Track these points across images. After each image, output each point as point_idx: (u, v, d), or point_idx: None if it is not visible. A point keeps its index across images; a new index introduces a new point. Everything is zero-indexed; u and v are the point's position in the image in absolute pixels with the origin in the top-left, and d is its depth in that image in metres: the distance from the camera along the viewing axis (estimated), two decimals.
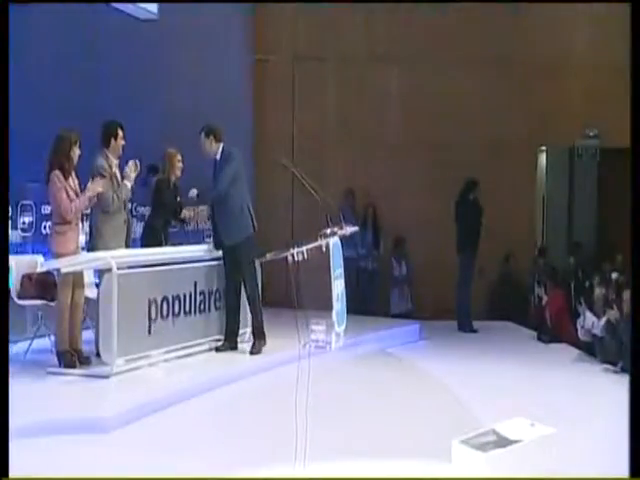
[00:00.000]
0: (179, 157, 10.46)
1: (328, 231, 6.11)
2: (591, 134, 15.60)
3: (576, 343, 11.88)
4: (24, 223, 10.64)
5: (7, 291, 5.84)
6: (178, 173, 10.46)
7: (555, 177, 16.84)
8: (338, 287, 6.08)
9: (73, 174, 8.99)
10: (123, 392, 8.45)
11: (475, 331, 13.20)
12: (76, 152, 8.94)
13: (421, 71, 15.43)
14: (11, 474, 5.97)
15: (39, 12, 11.30)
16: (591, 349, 11.34)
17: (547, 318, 12.63)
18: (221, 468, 6.40)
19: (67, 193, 8.85)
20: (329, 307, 6.17)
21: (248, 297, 10.12)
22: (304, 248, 5.97)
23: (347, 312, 14.76)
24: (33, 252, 10.47)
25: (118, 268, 8.79)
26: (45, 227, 10.88)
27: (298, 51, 15.36)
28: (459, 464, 6.26)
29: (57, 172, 8.82)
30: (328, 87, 15.48)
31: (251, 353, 10.02)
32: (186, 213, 10.43)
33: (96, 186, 9.04)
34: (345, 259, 15.67)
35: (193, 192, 10.30)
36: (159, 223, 10.35)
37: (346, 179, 14.97)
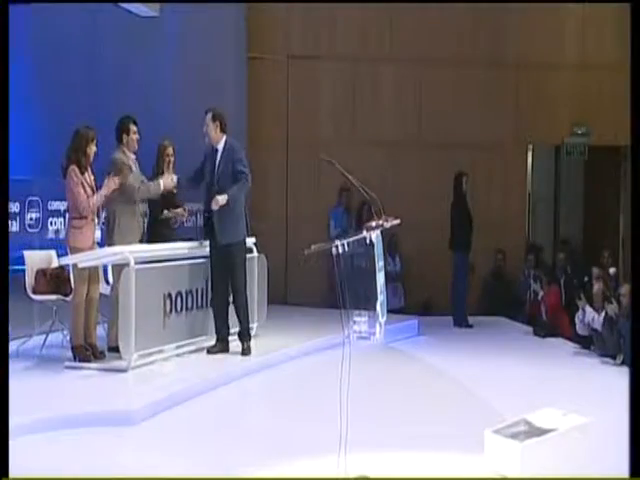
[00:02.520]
0: (169, 151, 10.28)
1: (373, 224, 6.19)
2: (580, 132, 15.81)
3: (571, 337, 12.10)
4: (31, 219, 10.67)
5: (7, 290, 5.89)
6: (169, 166, 10.26)
7: (540, 175, 17.05)
8: (380, 279, 6.18)
9: (89, 170, 9.07)
10: (145, 385, 8.54)
11: (470, 326, 13.36)
12: (92, 149, 9.00)
13: (414, 70, 15.56)
14: (34, 468, 6.09)
15: (43, 10, 11.38)
16: (587, 343, 11.53)
17: (543, 313, 12.81)
18: (255, 461, 6.48)
19: (84, 188, 8.92)
20: None
21: (236, 300, 9.86)
22: (349, 240, 6.06)
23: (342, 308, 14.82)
24: (40, 248, 10.49)
25: (135, 263, 8.88)
26: (52, 223, 10.94)
27: (292, 49, 15.46)
28: (492, 454, 6.37)
29: (74, 167, 8.89)
30: (322, 85, 15.59)
31: (244, 354, 9.81)
32: (167, 214, 10.23)
33: (111, 183, 9.12)
34: (339, 255, 15.73)
35: (173, 178, 9.88)
36: (160, 217, 10.24)
37: (340, 177, 15.03)
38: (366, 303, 6.26)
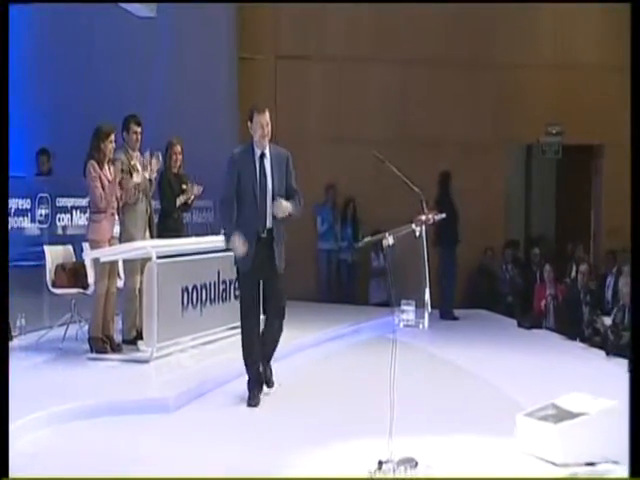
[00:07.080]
0: (177, 149, 10.46)
1: (423, 217, 6.52)
2: (554, 131, 16.23)
3: (554, 328, 12.61)
4: (41, 215, 10.84)
5: (7, 289, 6.13)
6: (176, 164, 10.47)
7: (513, 173, 17.51)
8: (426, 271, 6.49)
9: (108, 165, 9.31)
10: (172, 375, 8.85)
11: (456, 319, 13.74)
12: (108, 145, 9.23)
13: (400, 70, 15.95)
14: (54, 462, 6.23)
15: (41, 10, 11.53)
16: (572, 334, 11.91)
17: (534, 306, 13.31)
18: (297, 447, 6.69)
19: (101, 183, 9.17)
20: None
21: (280, 325, 8.29)
22: (399, 233, 6.36)
23: (329, 302, 15.09)
24: (49, 243, 10.67)
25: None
26: (60, 219, 11.14)
27: (281, 50, 15.79)
28: (525, 437, 6.63)
29: (93, 162, 9.18)
30: (310, 85, 15.93)
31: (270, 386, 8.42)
32: (182, 198, 10.41)
33: (129, 184, 9.42)
34: (326, 251, 16.11)
35: (199, 189, 10.42)
36: (170, 213, 10.47)
37: (327, 174, 15.44)
38: (411, 293, 6.55)
